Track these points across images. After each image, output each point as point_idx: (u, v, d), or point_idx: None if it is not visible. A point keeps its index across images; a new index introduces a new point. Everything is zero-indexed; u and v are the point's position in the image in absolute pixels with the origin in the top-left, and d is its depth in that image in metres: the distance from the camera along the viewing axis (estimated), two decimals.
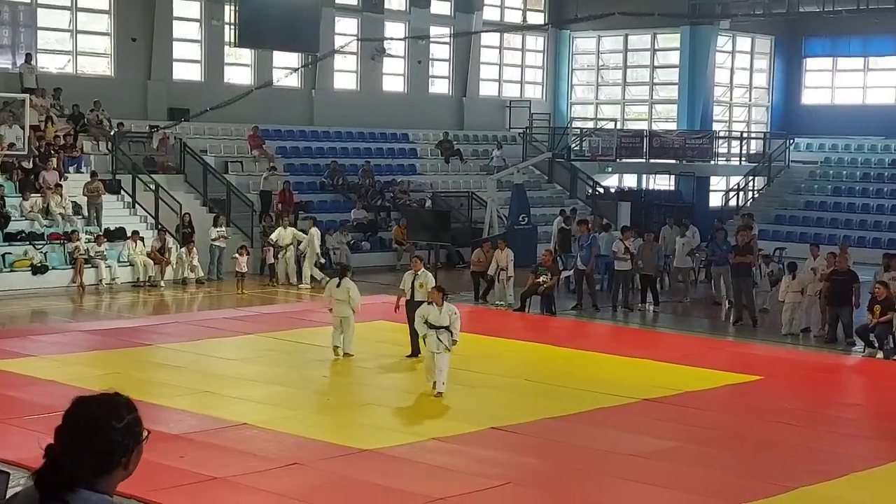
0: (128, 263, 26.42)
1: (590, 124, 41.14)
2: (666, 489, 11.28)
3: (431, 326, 15.16)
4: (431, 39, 39.07)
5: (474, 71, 40.51)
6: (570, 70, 43.14)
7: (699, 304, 25.72)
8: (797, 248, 29.01)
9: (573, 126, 40.74)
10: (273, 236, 27.34)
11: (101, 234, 26.51)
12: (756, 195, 39.91)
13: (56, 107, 30.08)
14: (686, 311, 24.72)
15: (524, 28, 41.92)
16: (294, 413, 14.18)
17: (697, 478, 11.75)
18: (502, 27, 41.18)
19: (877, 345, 19.24)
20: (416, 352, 17.31)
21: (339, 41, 35.95)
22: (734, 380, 16.94)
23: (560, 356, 18.71)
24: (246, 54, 34.83)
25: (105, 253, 26.04)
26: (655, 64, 42.13)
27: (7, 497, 3.61)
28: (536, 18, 42.41)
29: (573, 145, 38.96)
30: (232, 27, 31.15)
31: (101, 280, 25.71)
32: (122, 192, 28.82)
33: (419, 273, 17.79)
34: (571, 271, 25.30)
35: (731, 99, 42.97)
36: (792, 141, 40.57)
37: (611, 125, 39.35)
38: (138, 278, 26.24)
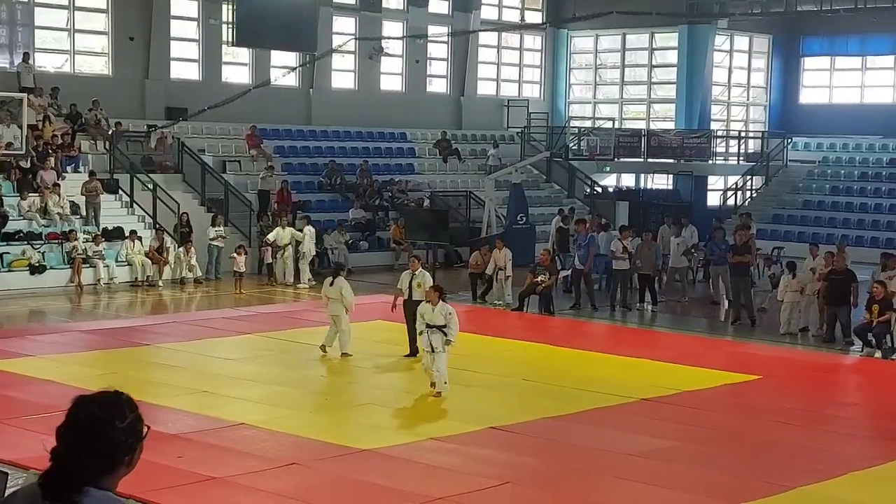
0: (126, 263, 26.41)
1: (588, 123, 41.19)
2: (664, 489, 11.28)
3: (428, 325, 15.18)
4: (429, 39, 39.08)
5: (472, 70, 40.49)
6: (567, 69, 43.15)
7: (697, 303, 25.69)
8: (795, 248, 29.02)
9: (571, 125, 40.78)
10: (271, 236, 27.31)
11: (98, 233, 26.50)
12: (754, 194, 39.85)
13: (54, 106, 30.02)
14: (684, 310, 24.71)
15: (522, 27, 41.90)
16: (292, 413, 14.17)
17: (695, 477, 11.75)
18: (500, 26, 41.16)
19: (875, 344, 19.24)
20: (413, 351, 17.32)
21: (336, 40, 35.89)
22: (732, 379, 16.94)
23: (558, 356, 18.70)
24: (244, 53, 34.81)
25: (103, 252, 26.03)
26: (653, 63, 42.15)
27: (6, 496, 3.60)
28: (534, 17, 42.39)
29: (571, 145, 38.98)
30: (230, 26, 31.07)
31: (99, 280, 25.70)
32: (120, 191, 28.81)
33: (417, 272, 17.80)
34: (569, 271, 25.31)
35: (729, 98, 42.99)
36: (790, 140, 40.55)
37: (609, 124, 39.39)
38: (136, 278, 26.23)
